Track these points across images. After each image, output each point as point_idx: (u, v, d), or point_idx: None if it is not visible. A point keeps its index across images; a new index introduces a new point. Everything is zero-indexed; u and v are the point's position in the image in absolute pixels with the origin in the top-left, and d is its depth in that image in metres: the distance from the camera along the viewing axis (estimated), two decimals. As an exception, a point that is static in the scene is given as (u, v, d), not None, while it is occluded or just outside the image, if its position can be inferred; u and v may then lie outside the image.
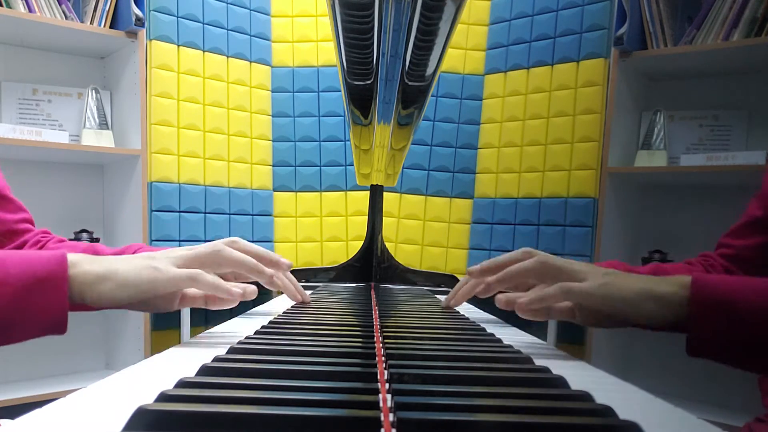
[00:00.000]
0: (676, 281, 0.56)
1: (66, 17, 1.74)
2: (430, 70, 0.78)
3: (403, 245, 2.17)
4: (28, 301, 0.50)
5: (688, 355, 0.56)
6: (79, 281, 0.52)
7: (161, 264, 0.55)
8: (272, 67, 2.14)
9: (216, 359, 0.40)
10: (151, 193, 1.86)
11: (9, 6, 1.61)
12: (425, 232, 2.19)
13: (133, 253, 0.72)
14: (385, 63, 0.73)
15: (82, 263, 0.53)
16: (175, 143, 1.92)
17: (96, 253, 0.77)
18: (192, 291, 0.63)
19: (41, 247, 0.83)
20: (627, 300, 0.55)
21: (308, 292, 0.98)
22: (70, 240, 1.80)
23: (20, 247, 0.82)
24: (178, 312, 1.93)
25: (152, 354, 0.45)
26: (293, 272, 1.14)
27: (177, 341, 1.98)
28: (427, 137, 2.15)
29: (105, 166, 1.99)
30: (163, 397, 0.30)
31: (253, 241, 2.31)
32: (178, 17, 1.90)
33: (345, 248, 2.17)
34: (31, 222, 0.85)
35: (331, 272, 1.14)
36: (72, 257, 0.53)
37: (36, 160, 1.85)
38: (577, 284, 0.56)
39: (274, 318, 0.63)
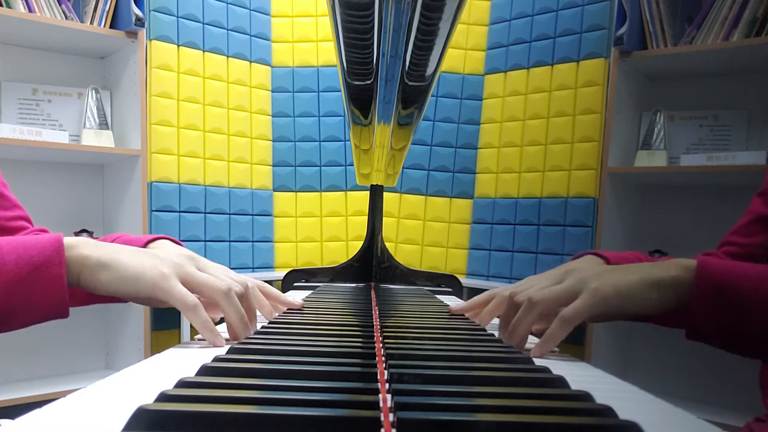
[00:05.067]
0: (679, 264, 0.55)
1: (66, 17, 1.74)
2: (430, 70, 0.78)
3: (403, 245, 2.17)
4: (26, 287, 0.49)
5: (687, 338, 0.55)
6: (77, 264, 0.52)
7: (168, 270, 0.53)
8: (272, 67, 2.14)
9: (216, 359, 0.40)
10: (151, 193, 1.86)
11: (9, 6, 1.61)
12: (425, 232, 2.19)
13: (112, 242, 0.64)
14: (385, 63, 0.73)
15: (81, 246, 0.52)
16: (175, 143, 1.92)
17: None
18: None
19: None
20: (624, 294, 0.53)
21: (308, 292, 0.98)
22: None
23: None
24: (178, 312, 1.93)
25: (152, 354, 0.45)
26: (293, 272, 1.14)
27: (177, 341, 1.98)
28: (427, 137, 2.15)
29: (105, 166, 1.99)
30: (163, 397, 0.30)
31: (253, 241, 2.27)
32: (178, 17, 1.90)
33: (345, 248, 2.17)
34: (27, 219, 0.83)
35: (331, 272, 1.14)
36: (69, 240, 0.52)
37: (36, 160, 1.85)
38: (573, 308, 0.53)
39: (275, 318, 0.63)
